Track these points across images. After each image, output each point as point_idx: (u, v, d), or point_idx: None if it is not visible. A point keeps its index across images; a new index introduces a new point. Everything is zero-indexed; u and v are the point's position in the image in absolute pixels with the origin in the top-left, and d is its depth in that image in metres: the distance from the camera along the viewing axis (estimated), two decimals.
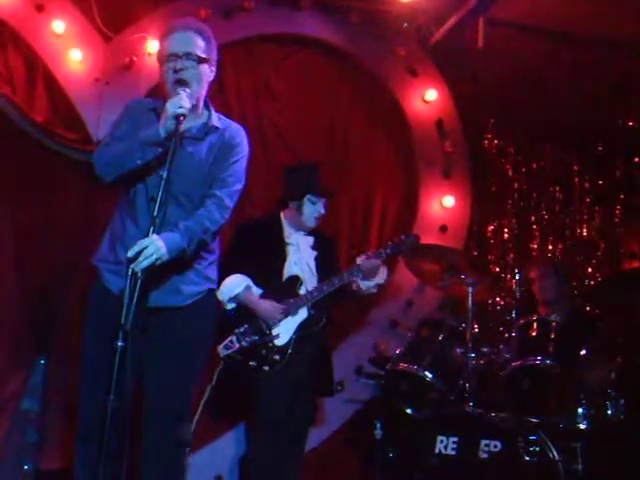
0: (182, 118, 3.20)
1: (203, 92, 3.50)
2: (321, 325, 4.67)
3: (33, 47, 5.37)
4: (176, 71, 3.37)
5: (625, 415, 4.58)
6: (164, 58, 3.43)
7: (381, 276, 4.79)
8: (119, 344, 2.97)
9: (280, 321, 4.57)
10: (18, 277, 5.35)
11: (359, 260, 4.73)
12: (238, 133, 3.58)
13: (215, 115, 3.57)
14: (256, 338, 4.53)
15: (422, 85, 6.24)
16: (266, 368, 4.51)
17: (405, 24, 6.07)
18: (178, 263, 3.34)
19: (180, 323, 3.42)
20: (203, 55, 3.42)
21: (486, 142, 6.63)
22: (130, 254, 3.08)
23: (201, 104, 3.51)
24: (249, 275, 4.62)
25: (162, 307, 3.38)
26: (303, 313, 4.64)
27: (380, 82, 6.19)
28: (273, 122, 5.98)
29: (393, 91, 6.20)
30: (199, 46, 3.42)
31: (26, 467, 5.25)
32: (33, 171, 5.42)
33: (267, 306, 4.58)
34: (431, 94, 6.22)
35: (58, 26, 5.39)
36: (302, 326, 4.61)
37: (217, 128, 3.52)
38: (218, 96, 5.78)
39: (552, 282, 5.49)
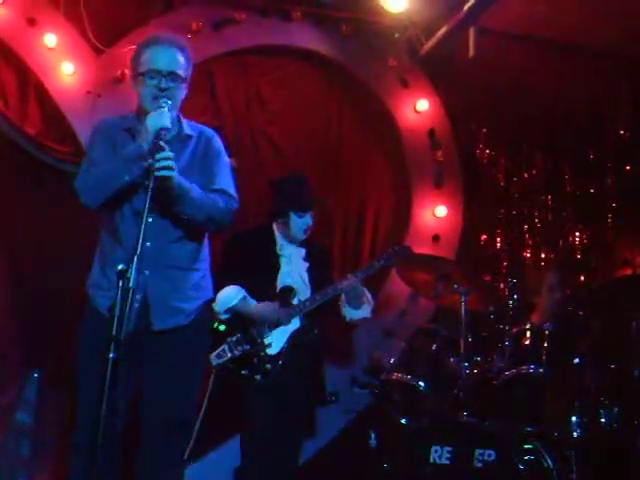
0: (164, 133, 3.19)
1: (177, 111, 3.50)
2: (313, 335, 4.68)
3: (25, 60, 5.37)
4: (161, 90, 3.35)
5: (619, 423, 4.59)
6: (145, 70, 3.39)
7: (367, 309, 4.81)
8: (111, 355, 2.96)
9: (278, 321, 4.58)
10: (11, 291, 5.35)
11: (350, 277, 4.74)
12: (213, 136, 3.60)
13: (185, 122, 3.56)
14: (248, 347, 4.54)
15: (413, 95, 6.25)
16: (258, 377, 4.52)
17: (396, 35, 6.09)
18: (174, 279, 3.37)
19: (182, 341, 3.42)
20: (184, 74, 3.43)
21: (478, 151, 6.64)
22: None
23: (174, 119, 3.48)
24: (242, 286, 4.62)
25: (166, 330, 3.39)
26: (295, 323, 4.65)
27: (371, 93, 6.21)
28: (265, 133, 6.00)
29: (384, 102, 6.22)
30: (181, 64, 3.42)
31: None
32: (25, 185, 5.42)
33: (263, 305, 4.60)
34: (422, 104, 6.24)
35: (50, 39, 5.39)
36: (294, 335, 4.62)
37: (190, 136, 3.52)
38: (210, 107, 5.82)
39: (561, 294, 5.45)
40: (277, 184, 4.98)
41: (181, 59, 3.43)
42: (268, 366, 4.53)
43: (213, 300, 3.72)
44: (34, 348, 5.33)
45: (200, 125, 3.66)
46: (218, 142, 3.60)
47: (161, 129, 3.19)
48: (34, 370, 5.35)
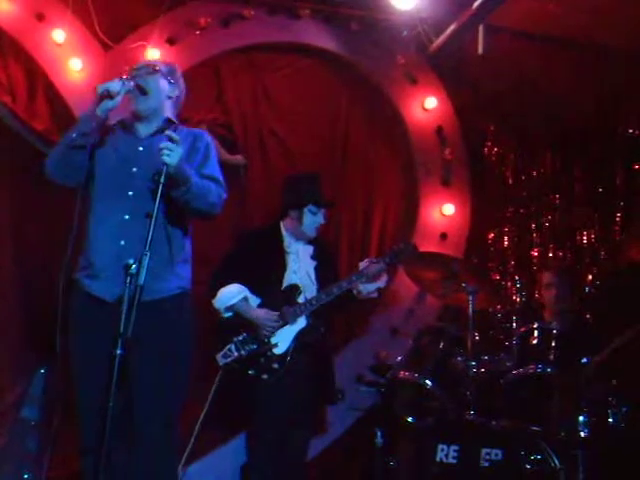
0: (106, 94, 3.40)
1: (164, 104, 3.70)
2: (320, 334, 4.66)
3: (33, 56, 5.38)
4: (133, 77, 3.58)
5: (626, 423, 4.57)
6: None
7: (382, 279, 4.79)
8: (118, 352, 2.97)
9: (274, 329, 4.57)
10: (19, 287, 5.36)
11: (362, 265, 4.73)
12: (203, 134, 3.78)
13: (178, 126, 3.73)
14: (255, 347, 4.54)
15: (422, 93, 6.24)
16: (265, 377, 4.51)
17: (404, 32, 6.07)
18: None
19: (151, 321, 3.35)
20: (163, 70, 3.69)
21: (486, 149, 6.61)
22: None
23: (159, 116, 3.68)
24: (248, 284, 4.62)
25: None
26: (302, 322, 4.63)
27: (380, 90, 6.19)
28: (273, 130, 5.98)
29: (393, 99, 6.20)
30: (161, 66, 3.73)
31: (26, 476, 5.24)
32: (33, 180, 5.41)
33: (261, 313, 4.58)
34: (431, 102, 6.22)
35: (58, 35, 5.39)
36: (300, 335, 4.61)
37: (172, 122, 3.70)
38: (217, 104, 5.82)
39: (566, 292, 5.43)
40: (292, 180, 4.98)
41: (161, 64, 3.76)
42: (275, 365, 4.52)
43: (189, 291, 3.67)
44: (41, 345, 5.33)
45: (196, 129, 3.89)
46: (207, 139, 3.74)
47: (103, 91, 3.41)
48: (41, 366, 5.35)
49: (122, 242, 3.44)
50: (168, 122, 3.69)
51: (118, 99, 3.45)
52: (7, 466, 5.18)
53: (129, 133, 3.68)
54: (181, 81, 3.82)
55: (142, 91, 3.56)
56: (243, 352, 4.53)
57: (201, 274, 4.11)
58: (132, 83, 3.51)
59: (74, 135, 3.45)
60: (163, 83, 3.68)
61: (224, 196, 3.64)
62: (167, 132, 3.41)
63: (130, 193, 3.49)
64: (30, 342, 5.33)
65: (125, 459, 3.34)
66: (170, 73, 3.74)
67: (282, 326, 4.59)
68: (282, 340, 4.57)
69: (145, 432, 3.39)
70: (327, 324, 4.73)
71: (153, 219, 3.18)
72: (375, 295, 4.82)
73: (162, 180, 3.24)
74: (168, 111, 3.72)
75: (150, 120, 3.66)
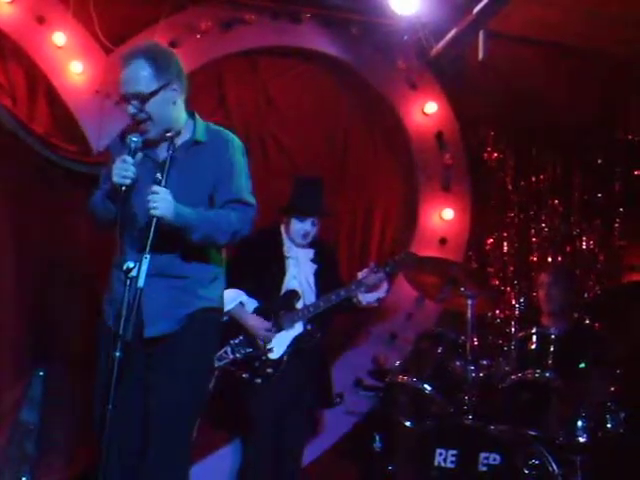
0: (125, 188, 3.16)
1: (173, 112, 3.41)
2: (316, 340, 4.67)
3: (34, 59, 5.38)
4: (132, 116, 3.35)
5: (625, 428, 4.57)
6: (121, 95, 3.39)
7: (382, 289, 4.79)
8: (117, 354, 2.97)
9: (269, 338, 4.57)
10: (19, 290, 5.35)
11: (360, 275, 4.73)
12: (227, 141, 3.51)
13: (200, 126, 3.50)
14: (250, 350, 4.56)
15: (422, 98, 6.24)
16: (258, 381, 4.53)
17: (405, 37, 6.07)
18: (164, 286, 3.30)
19: (176, 348, 3.34)
20: (151, 88, 3.30)
21: (486, 155, 6.62)
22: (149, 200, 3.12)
23: (177, 124, 3.43)
24: (247, 287, 4.63)
25: (157, 337, 3.33)
26: (299, 327, 4.65)
27: (380, 95, 6.19)
28: (274, 134, 5.99)
29: (393, 104, 6.21)
30: (146, 77, 3.30)
31: (24, 479, 5.24)
32: (33, 183, 5.43)
33: (254, 322, 4.60)
34: (431, 107, 6.22)
35: (59, 38, 5.40)
36: (296, 340, 4.62)
37: (200, 141, 3.45)
38: (219, 108, 5.83)
39: (559, 292, 5.42)
40: (295, 182, 5.01)
41: (145, 70, 3.32)
42: (269, 370, 4.54)
43: (216, 309, 3.54)
44: (40, 346, 5.34)
45: (217, 128, 3.59)
46: (233, 147, 3.50)
47: (121, 185, 3.15)
48: (40, 368, 5.35)
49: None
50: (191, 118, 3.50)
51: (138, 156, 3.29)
52: (6, 469, 5.18)
53: (148, 157, 3.42)
54: (169, 56, 3.46)
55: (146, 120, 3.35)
56: (238, 355, 4.55)
57: None
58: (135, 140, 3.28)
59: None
60: (160, 99, 3.34)
61: (251, 216, 3.45)
62: (154, 187, 3.18)
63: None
64: (29, 344, 5.32)
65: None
66: (157, 69, 3.34)
67: (278, 331, 4.60)
68: (278, 345, 4.59)
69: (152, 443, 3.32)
70: (324, 330, 4.73)
71: (153, 224, 3.16)
72: (375, 305, 4.83)
73: (151, 234, 3.10)
74: (178, 114, 3.45)
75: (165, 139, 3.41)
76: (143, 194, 3.20)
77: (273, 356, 4.58)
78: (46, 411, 5.33)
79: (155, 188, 3.15)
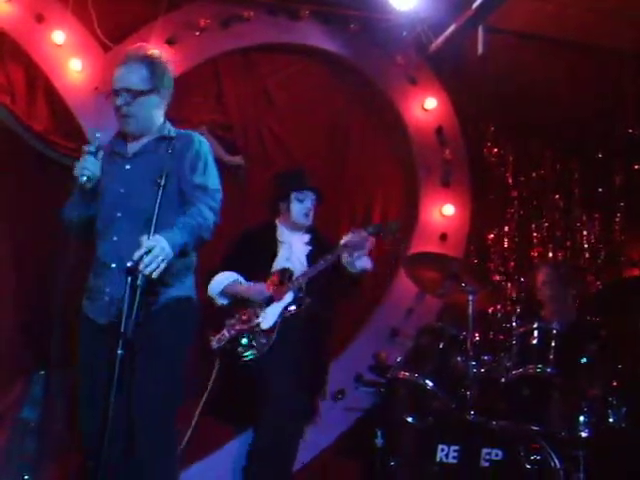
0: (86, 180, 3.40)
1: (154, 116, 3.64)
2: (305, 304, 4.70)
3: (33, 57, 5.38)
4: (117, 108, 3.56)
5: (627, 423, 4.57)
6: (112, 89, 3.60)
7: (367, 262, 4.82)
8: (119, 352, 2.98)
9: (268, 299, 4.68)
10: (18, 289, 5.35)
11: (344, 238, 4.77)
12: (192, 138, 3.66)
13: (172, 129, 3.68)
14: (244, 326, 4.62)
15: (422, 93, 6.24)
16: (254, 352, 4.58)
17: (404, 33, 6.07)
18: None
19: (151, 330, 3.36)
20: (143, 87, 3.54)
21: (486, 150, 6.62)
22: (135, 257, 3.13)
23: (154, 127, 3.64)
24: (242, 273, 4.76)
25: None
26: (288, 297, 4.71)
27: (380, 91, 6.19)
28: (273, 131, 5.98)
29: (393, 99, 6.20)
30: (141, 76, 3.55)
31: (26, 477, 5.23)
32: (31, 182, 5.43)
33: (246, 286, 4.74)
34: (431, 102, 6.22)
35: (58, 36, 5.39)
36: (286, 308, 4.69)
37: (171, 137, 3.60)
38: (217, 105, 5.82)
39: (556, 282, 5.44)
40: (276, 177, 5.18)
41: (141, 71, 3.56)
42: (263, 340, 4.64)
43: (190, 299, 3.64)
44: (40, 346, 5.33)
45: (188, 132, 3.76)
46: (199, 142, 3.64)
47: (81, 181, 3.43)
48: (41, 368, 5.35)
49: (113, 265, 3.47)
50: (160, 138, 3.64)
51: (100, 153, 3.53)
52: (7, 467, 5.18)
53: (116, 154, 3.67)
54: (166, 67, 3.68)
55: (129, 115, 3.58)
56: (233, 332, 4.67)
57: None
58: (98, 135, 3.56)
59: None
60: (148, 100, 3.59)
61: (219, 200, 3.55)
62: (145, 243, 3.23)
63: (119, 215, 3.52)
64: (29, 343, 5.32)
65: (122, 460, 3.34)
66: (152, 73, 3.59)
67: (269, 302, 4.66)
68: (269, 315, 4.69)
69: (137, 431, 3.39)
70: (319, 299, 4.76)
71: (153, 225, 3.18)
72: (358, 275, 4.83)
73: (139, 284, 3.14)
74: (157, 119, 3.67)
75: (139, 137, 3.65)
76: (110, 190, 3.50)
77: (265, 326, 4.67)
78: (46, 409, 5.32)
79: (147, 245, 3.19)
